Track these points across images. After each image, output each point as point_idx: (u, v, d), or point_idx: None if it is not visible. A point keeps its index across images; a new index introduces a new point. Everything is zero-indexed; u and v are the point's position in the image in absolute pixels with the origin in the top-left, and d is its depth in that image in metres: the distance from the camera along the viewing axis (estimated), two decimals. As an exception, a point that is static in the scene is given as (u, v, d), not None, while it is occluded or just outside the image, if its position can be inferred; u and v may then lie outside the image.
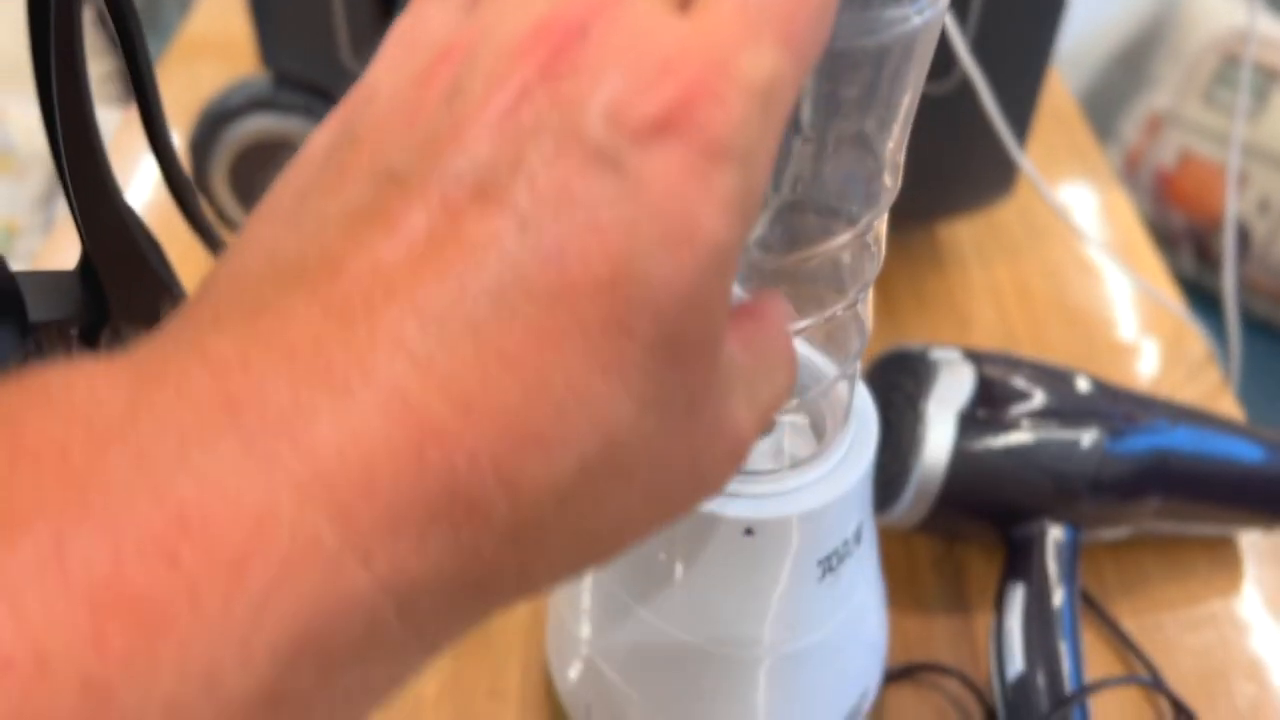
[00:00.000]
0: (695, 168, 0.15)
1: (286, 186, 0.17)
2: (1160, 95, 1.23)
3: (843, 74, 0.21)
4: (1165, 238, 1.22)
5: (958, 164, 0.55)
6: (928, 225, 0.63)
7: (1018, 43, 0.50)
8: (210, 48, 0.78)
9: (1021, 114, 0.53)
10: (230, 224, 0.55)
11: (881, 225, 0.26)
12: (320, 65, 0.50)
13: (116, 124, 1.03)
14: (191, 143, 0.52)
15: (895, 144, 0.23)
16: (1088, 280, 0.61)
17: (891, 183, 0.24)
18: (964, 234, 0.64)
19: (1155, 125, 1.22)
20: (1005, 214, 0.64)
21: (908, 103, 0.22)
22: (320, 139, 0.18)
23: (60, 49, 0.20)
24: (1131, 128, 1.26)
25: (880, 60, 0.20)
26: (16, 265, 0.26)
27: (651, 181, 0.14)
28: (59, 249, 0.61)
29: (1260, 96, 1.12)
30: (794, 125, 0.22)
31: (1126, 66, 1.40)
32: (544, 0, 0.16)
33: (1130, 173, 1.25)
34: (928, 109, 0.53)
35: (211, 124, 0.51)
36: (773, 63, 0.15)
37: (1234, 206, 0.55)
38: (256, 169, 0.53)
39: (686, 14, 0.15)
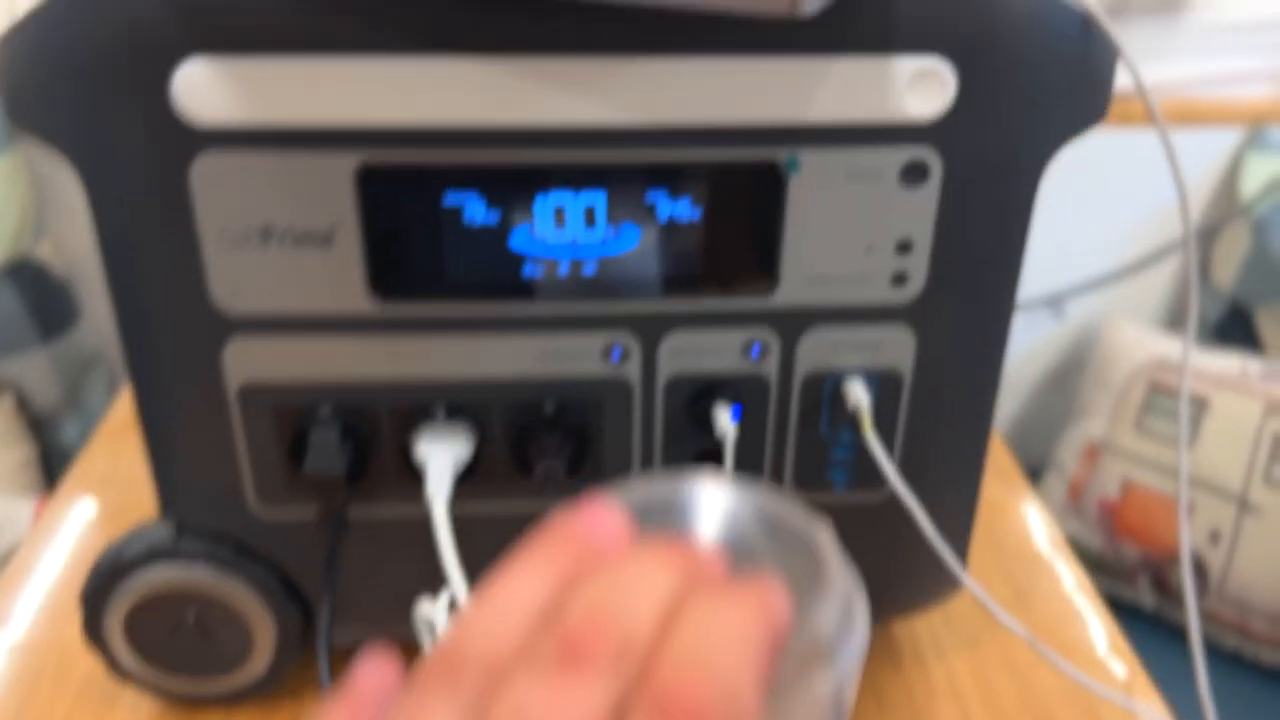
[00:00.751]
0: None
1: None
2: (1094, 424, 1.25)
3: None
4: (1121, 572, 1.20)
5: (902, 568, 0.52)
6: (881, 623, 0.59)
7: (946, 456, 0.49)
8: (134, 430, 0.76)
9: (960, 521, 0.52)
10: (126, 676, 0.50)
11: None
12: (225, 512, 0.47)
13: (29, 515, 0.99)
14: (83, 595, 0.48)
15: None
16: (1051, 672, 0.57)
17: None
18: (919, 626, 0.61)
19: (1093, 454, 1.23)
20: (959, 603, 0.61)
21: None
22: None
23: None
24: (1070, 457, 1.27)
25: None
26: None
27: None
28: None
29: (1192, 424, 1.14)
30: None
31: (1058, 393, 1.43)
32: None
33: (1074, 503, 1.25)
34: (867, 517, 0.51)
35: (106, 577, 0.48)
36: None
37: (1188, 557, 0.52)
38: (157, 620, 0.49)
39: None
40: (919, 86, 0.40)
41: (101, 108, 0.38)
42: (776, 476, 0.49)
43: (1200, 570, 1.12)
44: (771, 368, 0.46)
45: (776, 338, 0.45)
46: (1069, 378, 1.42)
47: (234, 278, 0.42)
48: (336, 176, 0.40)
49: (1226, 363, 1.17)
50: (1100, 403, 1.25)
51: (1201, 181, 1.35)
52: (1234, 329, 1.29)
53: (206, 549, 0.48)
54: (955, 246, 0.44)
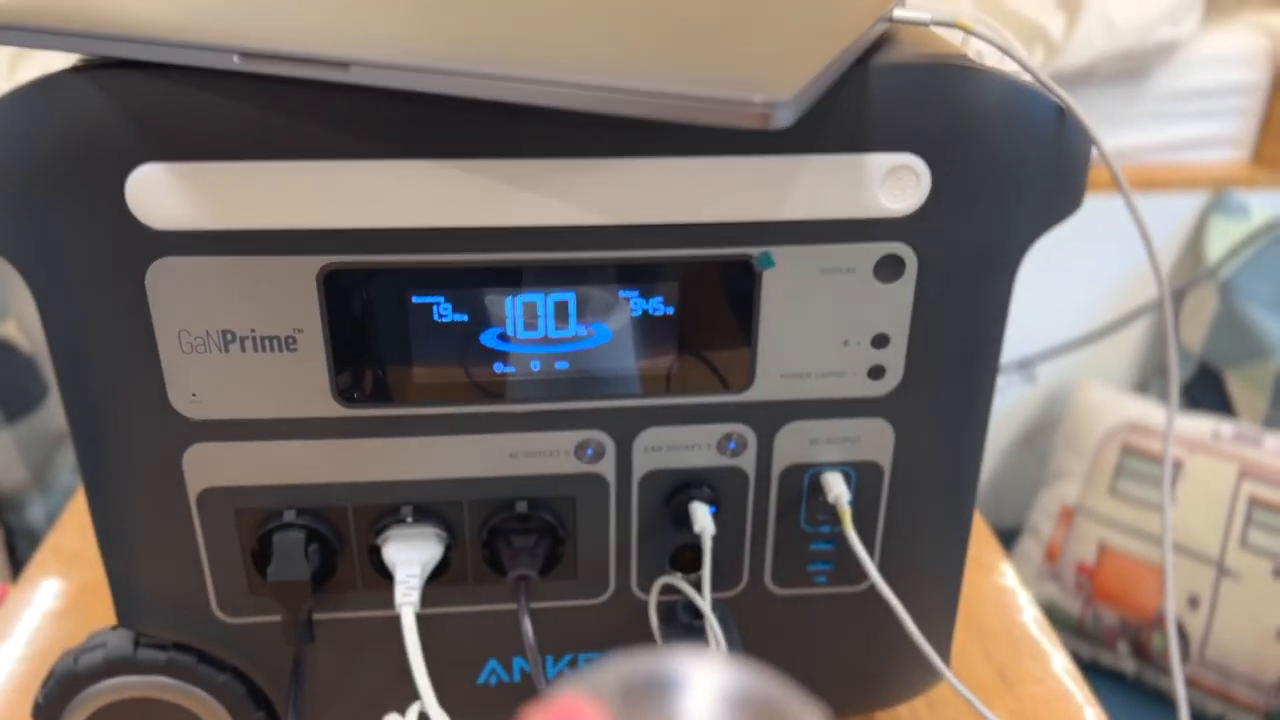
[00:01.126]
0: None
1: None
2: (1068, 487, 1.25)
3: None
4: (1099, 636, 1.19)
5: (886, 659, 0.51)
6: (864, 713, 0.58)
7: (928, 546, 0.49)
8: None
9: (943, 611, 0.51)
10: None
11: None
12: (185, 619, 0.45)
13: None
14: (35, 710, 0.46)
15: None
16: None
17: None
18: (902, 711, 0.59)
19: (1068, 517, 1.23)
20: (942, 685, 0.60)
21: None
22: None
23: None
24: (1045, 520, 1.26)
25: None
26: None
27: None
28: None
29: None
30: None
31: (1030, 455, 1.43)
32: None
33: (1051, 566, 1.24)
34: (850, 608, 0.50)
35: (60, 690, 0.46)
36: None
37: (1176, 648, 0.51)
38: (111, 732, 0.47)
39: None
40: (893, 183, 0.40)
41: (53, 213, 0.37)
42: (756, 571, 0.48)
43: (1180, 636, 1.11)
44: (749, 462, 0.45)
45: (753, 432, 0.44)
46: (1040, 440, 1.42)
47: (193, 383, 0.40)
48: (300, 280, 0.39)
49: (1198, 425, 1.18)
50: (1073, 465, 1.25)
51: (1167, 245, 1.36)
52: (1204, 391, 1.30)
53: (167, 658, 0.46)
54: (932, 339, 0.43)
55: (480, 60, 0.33)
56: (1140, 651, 1.15)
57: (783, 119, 0.29)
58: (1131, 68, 1.22)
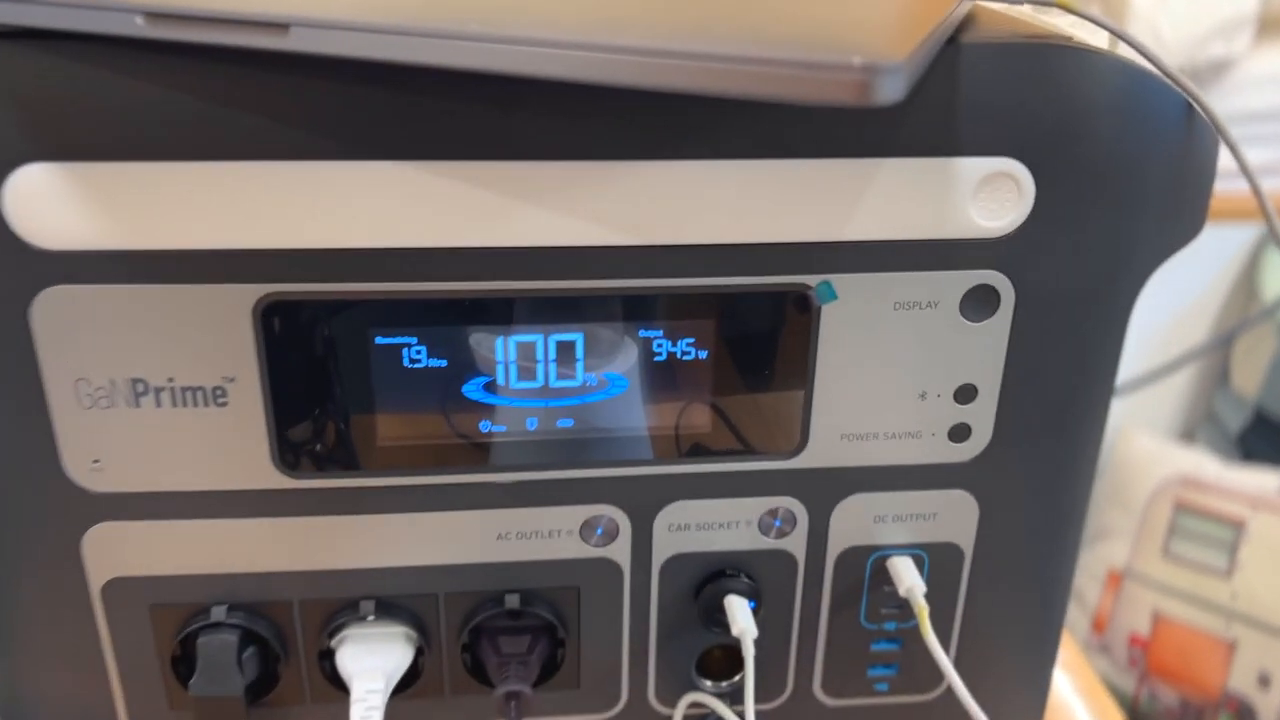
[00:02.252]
0: None
1: None
2: (1115, 547, 1.16)
3: None
4: (1157, 718, 1.10)
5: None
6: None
7: (1013, 646, 0.40)
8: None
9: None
10: None
11: None
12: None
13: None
14: None
15: None
16: None
17: None
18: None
19: (1116, 582, 1.14)
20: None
21: None
22: None
23: None
24: (1091, 584, 1.17)
25: None
26: None
27: None
28: None
29: (1228, 551, 1.05)
30: None
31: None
32: None
33: (1100, 637, 1.15)
34: (921, 714, 0.41)
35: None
36: None
37: None
38: None
39: None
40: (987, 194, 0.32)
41: (-96, 227, 0.29)
42: (803, 677, 0.39)
43: (1248, 718, 1.01)
44: (798, 544, 0.37)
45: (804, 507, 0.36)
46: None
47: (95, 446, 0.32)
48: (232, 314, 0.31)
49: (1260, 480, 1.09)
50: (1120, 523, 1.16)
51: (1218, 281, 1.28)
52: (1262, 440, 1.21)
53: (67, 786, 0.37)
54: (1030, 392, 0.35)
55: (467, 20, 0.24)
56: (1204, 734, 1.06)
57: (889, 90, 0.20)
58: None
